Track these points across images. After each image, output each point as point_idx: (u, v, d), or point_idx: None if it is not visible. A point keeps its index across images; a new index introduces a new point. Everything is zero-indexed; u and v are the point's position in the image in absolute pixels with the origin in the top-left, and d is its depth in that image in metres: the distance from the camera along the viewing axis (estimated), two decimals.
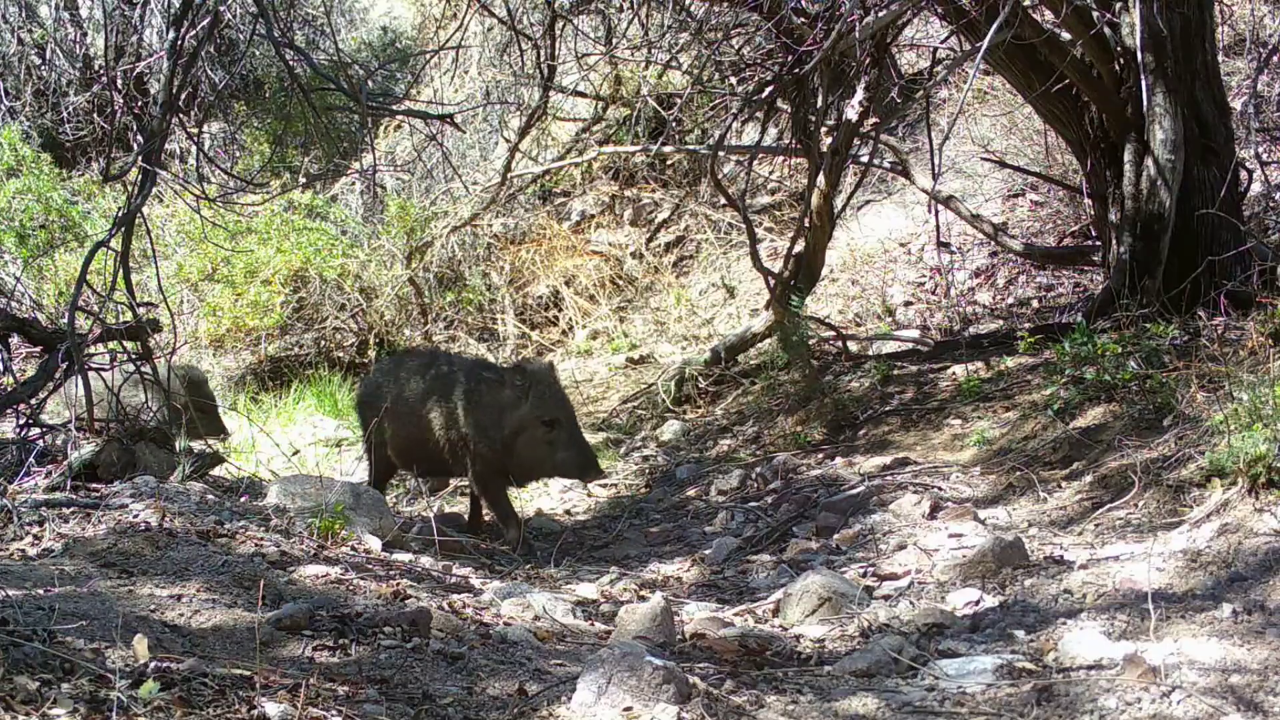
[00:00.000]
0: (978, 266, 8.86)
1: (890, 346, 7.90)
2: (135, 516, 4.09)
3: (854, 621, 3.59)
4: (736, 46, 9.11)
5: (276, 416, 8.64)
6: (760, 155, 9.39)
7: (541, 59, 7.87)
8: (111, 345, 5.65)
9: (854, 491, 5.33)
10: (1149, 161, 6.33)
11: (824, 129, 7.18)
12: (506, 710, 2.55)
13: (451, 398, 5.56)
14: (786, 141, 9.09)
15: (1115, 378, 5.42)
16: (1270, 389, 4.06)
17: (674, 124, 9.79)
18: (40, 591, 3.10)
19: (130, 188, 5.84)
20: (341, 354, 10.32)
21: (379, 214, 11.03)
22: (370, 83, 9.46)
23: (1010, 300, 8.47)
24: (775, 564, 4.73)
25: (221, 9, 6.34)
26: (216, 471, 5.79)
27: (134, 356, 5.63)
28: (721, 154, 9.12)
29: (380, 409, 5.63)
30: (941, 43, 8.22)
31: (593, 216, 10.95)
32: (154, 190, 6.04)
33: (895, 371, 7.15)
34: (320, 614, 3.13)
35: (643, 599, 3.99)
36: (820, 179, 7.05)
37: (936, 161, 6.75)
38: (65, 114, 12.13)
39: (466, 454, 5.51)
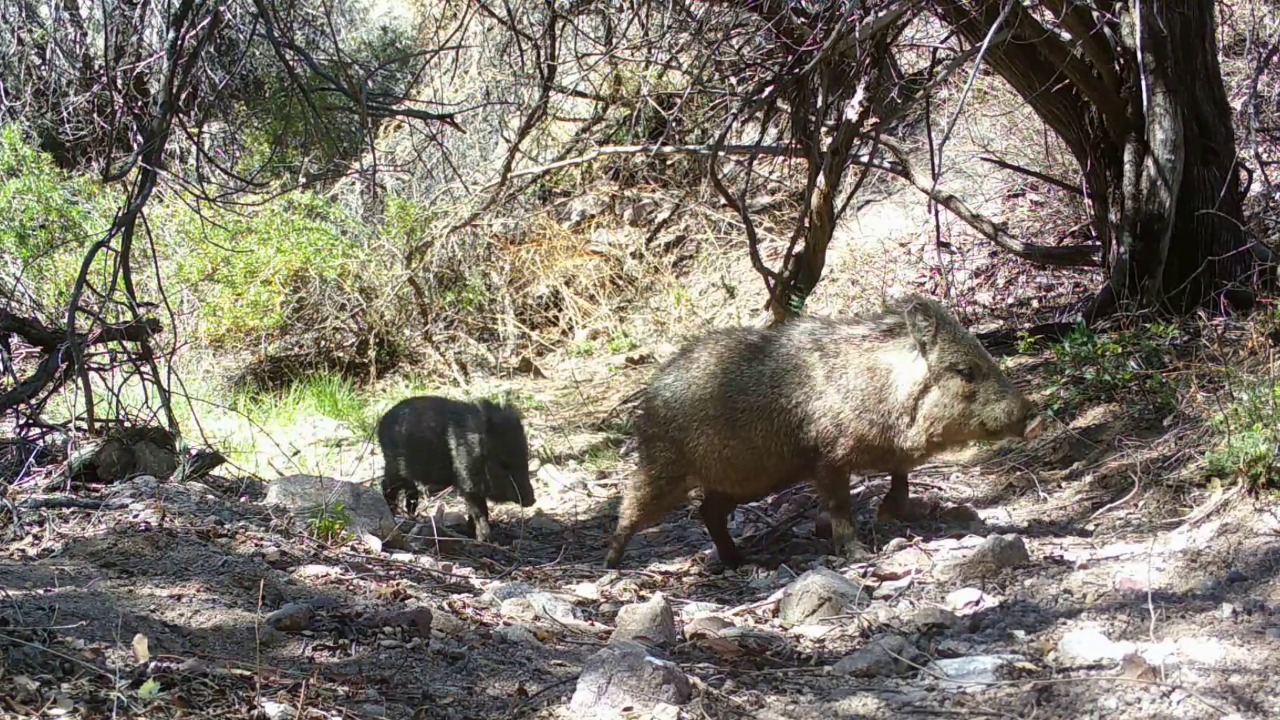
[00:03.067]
0: (978, 266, 8.86)
1: None
2: (135, 516, 4.09)
3: (854, 621, 3.59)
4: (736, 46, 9.10)
5: (276, 416, 8.64)
6: (760, 155, 9.38)
7: (541, 59, 7.87)
8: (111, 345, 5.66)
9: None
10: (1149, 161, 6.33)
11: (824, 129, 7.18)
12: (506, 710, 2.55)
13: (804, 375, 4.45)
14: (786, 141, 9.08)
15: (1115, 378, 5.41)
16: (1270, 389, 4.06)
17: (674, 124, 9.79)
18: (40, 591, 3.10)
19: (130, 188, 5.84)
20: (341, 354, 10.32)
21: (379, 214, 11.03)
22: (370, 83, 9.45)
23: (1010, 300, 8.47)
24: (775, 564, 4.73)
25: (221, 9, 6.34)
26: (216, 471, 5.79)
27: (134, 356, 5.63)
28: (721, 154, 9.11)
29: (687, 424, 4.63)
30: (941, 43, 8.21)
31: (593, 216, 10.95)
32: (154, 190, 6.05)
33: None
34: (320, 614, 3.13)
35: (643, 599, 3.99)
36: (820, 179, 7.04)
37: (936, 161, 6.74)
38: (65, 114, 12.12)
39: (836, 443, 4.43)
